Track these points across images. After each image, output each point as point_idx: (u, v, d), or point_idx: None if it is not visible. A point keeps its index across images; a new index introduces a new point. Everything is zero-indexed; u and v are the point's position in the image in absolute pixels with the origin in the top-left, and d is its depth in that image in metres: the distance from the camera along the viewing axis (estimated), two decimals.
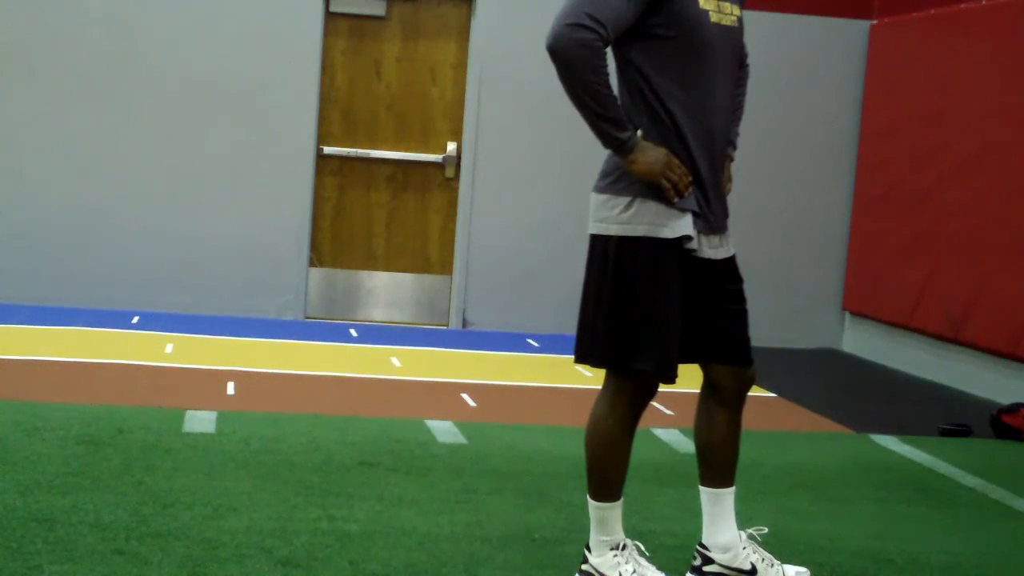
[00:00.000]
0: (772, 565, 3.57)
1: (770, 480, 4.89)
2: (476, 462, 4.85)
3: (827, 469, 5.15)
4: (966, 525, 4.49)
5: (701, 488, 3.60)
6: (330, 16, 8.35)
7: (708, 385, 3.55)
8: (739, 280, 3.49)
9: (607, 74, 3.16)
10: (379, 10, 8.40)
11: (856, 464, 5.28)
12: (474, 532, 3.97)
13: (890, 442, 5.75)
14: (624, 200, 3.30)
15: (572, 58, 3.12)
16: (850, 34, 8.55)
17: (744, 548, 3.56)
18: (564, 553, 3.81)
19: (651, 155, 3.22)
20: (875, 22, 8.52)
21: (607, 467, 3.38)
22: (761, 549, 3.62)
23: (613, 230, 3.31)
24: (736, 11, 3.38)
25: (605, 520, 3.42)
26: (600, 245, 3.35)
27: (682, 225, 3.26)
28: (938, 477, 5.17)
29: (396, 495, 4.32)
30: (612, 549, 3.41)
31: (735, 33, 3.37)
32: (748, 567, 3.54)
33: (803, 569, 3.67)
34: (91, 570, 3.40)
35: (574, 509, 4.25)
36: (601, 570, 3.42)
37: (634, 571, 3.38)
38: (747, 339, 3.50)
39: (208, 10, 8.14)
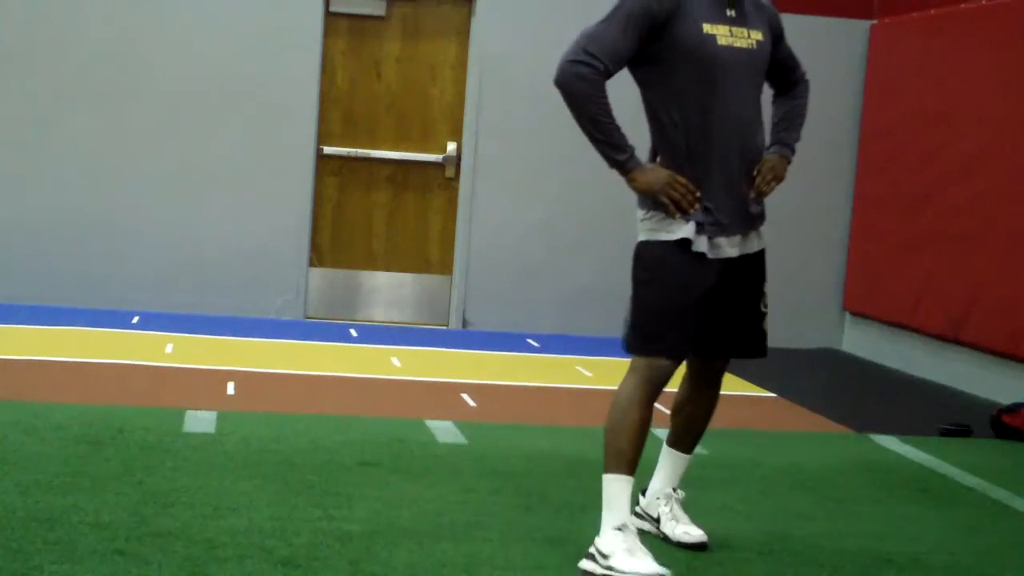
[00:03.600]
0: (674, 521, 3.95)
1: (770, 480, 4.89)
2: (476, 462, 4.85)
3: (827, 469, 5.15)
4: (966, 525, 4.49)
5: (667, 448, 4.04)
6: (330, 16, 8.35)
7: (696, 367, 3.95)
8: (761, 278, 3.87)
9: (606, 103, 3.55)
10: (379, 10, 8.40)
11: (856, 464, 5.28)
12: (474, 532, 3.97)
13: (890, 442, 5.75)
14: (645, 211, 3.70)
15: (573, 90, 3.55)
16: (850, 34, 8.55)
17: (658, 499, 4.00)
18: (564, 553, 3.81)
19: (651, 175, 3.61)
20: (875, 22, 8.51)
21: (617, 434, 3.64)
22: (677, 508, 3.99)
23: (640, 236, 3.72)
24: (756, 35, 3.72)
25: (612, 498, 3.63)
26: (634, 249, 3.74)
27: (683, 230, 3.61)
28: (938, 477, 5.17)
29: (396, 495, 4.32)
30: (614, 529, 3.59)
31: (753, 55, 3.70)
32: (655, 516, 4.00)
33: (699, 532, 3.92)
34: (91, 570, 3.40)
35: (574, 509, 4.25)
36: (602, 548, 3.59)
37: (626, 550, 3.54)
38: (762, 332, 3.91)
39: (208, 10, 8.14)
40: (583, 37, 3.56)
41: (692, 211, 3.61)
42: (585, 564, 3.61)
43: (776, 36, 3.88)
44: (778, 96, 4.04)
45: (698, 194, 3.62)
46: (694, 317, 3.67)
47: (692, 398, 3.97)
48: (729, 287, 3.76)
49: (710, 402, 3.98)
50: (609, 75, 3.56)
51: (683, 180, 3.61)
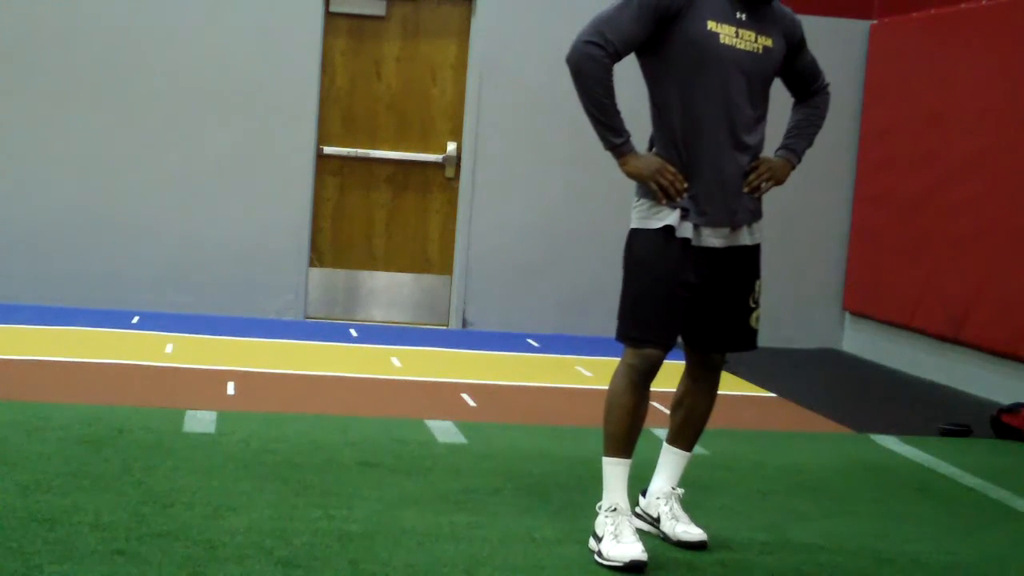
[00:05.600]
0: (674, 520, 3.96)
1: (770, 480, 4.89)
2: (476, 462, 4.86)
3: (827, 469, 5.15)
4: (966, 525, 4.49)
5: (667, 446, 4.07)
6: (330, 16, 8.35)
7: (692, 359, 4.01)
8: (753, 274, 3.91)
9: (610, 86, 3.66)
10: (379, 10, 8.40)
11: (856, 464, 5.29)
12: (474, 532, 3.97)
13: (890, 442, 5.75)
14: (637, 200, 3.82)
15: (583, 70, 3.66)
16: (850, 34, 8.55)
17: (658, 499, 4.02)
18: (564, 553, 3.81)
19: (642, 162, 3.73)
20: (875, 22, 8.52)
21: (609, 419, 3.80)
22: (677, 506, 4.00)
23: (631, 224, 3.83)
24: (765, 41, 3.79)
25: (608, 480, 3.80)
26: (626, 237, 3.87)
27: (669, 217, 3.73)
28: (938, 477, 5.17)
29: (396, 495, 4.32)
30: (606, 511, 3.79)
31: (757, 59, 3.77)
32: (655, 515, 4.03)
33: (699, 531, 3.94)
34: (91, 570, 3.40)
35: (574, 509, 4.25)
36: (596, 530, 3.80)
37: (614, 533, 3.72)
38: (750, 326, 3.94)
39: (208, 10, 8.14)
40: (599, 20, 3.67)
41: (679, 199, 3.72)
42: (591, 542, 3.81)
43: (795, 45, 3.94)
44: (796, 104, 4.12)
45: (686, 184, 3.72)
46: (680, 305, 3.76)
47: (690, 391, 4.02)
48: (717, 279, 3.82)
49: (708, 396, 4.02)
50: (619, 58, 3.69)
51: (672, 169, 3.71)
